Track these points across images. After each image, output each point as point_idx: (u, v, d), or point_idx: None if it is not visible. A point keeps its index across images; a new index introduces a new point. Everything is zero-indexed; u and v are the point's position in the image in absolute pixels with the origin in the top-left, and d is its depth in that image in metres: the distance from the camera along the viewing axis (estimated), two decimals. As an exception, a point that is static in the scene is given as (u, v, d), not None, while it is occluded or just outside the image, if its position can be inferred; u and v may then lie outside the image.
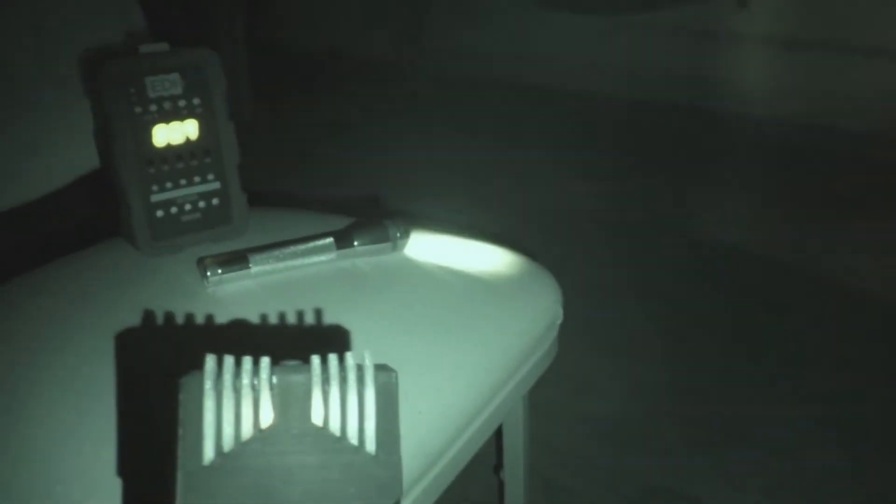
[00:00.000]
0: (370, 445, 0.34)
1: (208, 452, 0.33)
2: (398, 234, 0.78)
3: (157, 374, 0.60)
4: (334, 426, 0.34)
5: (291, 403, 0.34)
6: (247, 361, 0.34)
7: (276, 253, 0.73)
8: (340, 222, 0.80)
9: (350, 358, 0.35)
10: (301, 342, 0.66)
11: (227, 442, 0.33)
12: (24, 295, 0.74)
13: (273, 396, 0.34)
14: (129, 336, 0.66)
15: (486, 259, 0.81)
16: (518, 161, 2.52)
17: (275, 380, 0.35)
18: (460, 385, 0.66)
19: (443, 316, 0.71)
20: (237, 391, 0.34)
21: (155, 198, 0.75)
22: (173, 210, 0.76)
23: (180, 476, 0.33)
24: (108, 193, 0.77)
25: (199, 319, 0.67)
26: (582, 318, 1.60)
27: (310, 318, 0.67)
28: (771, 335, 1.59)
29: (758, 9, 2.78)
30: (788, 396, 1.40)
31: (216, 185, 0.78)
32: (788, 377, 1.45)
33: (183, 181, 0.76)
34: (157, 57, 0.74)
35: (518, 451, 0.92)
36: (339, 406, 0.34)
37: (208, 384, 0.34)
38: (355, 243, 0.76)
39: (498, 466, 0.98)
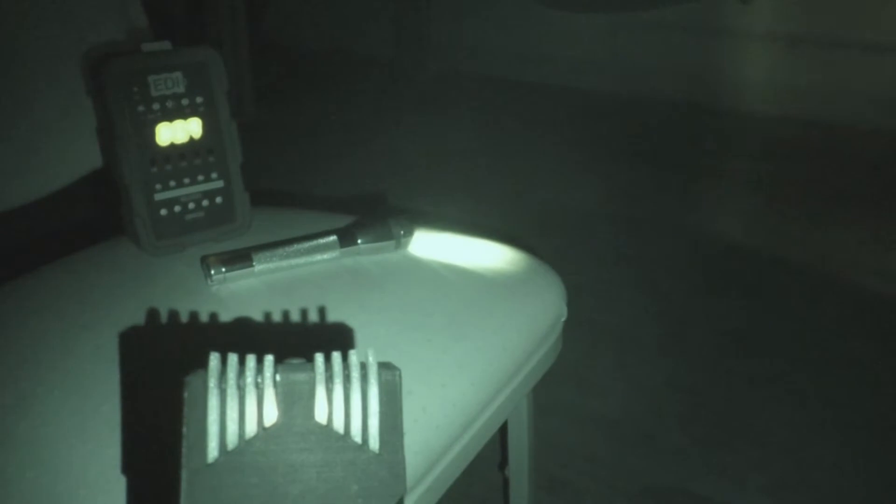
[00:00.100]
0: (373, 443, 0.34)
1: (212, 450, 0.33)
2: (402, 232, 0.78)
3: (160, 373, 0.60)
4: (338, 424, 0.34)
5: (295, 401, 0.34)
6: (250, 359, 0.34)
7: (280, 251, 0.73)
8: (344, 220, 0.80)
9: (353, 356, 0.35)
10: (305, 340, 0.66)
11: (231, 440, 0.33)
12: (27, 294, 0.74)
13: (277, 394, 0.34)
14: (132, 335, 0.66)
15: (490, 256, 0.81)
16: (521, 158, 2.52)
17: (278, 378, 0.35)
18: (464, 382, 0.66)
19: (446, 313, 0.71)
20: (241, 389, 0.34)
21: (158, 197, 0.75)
22: (177, 209, 0.76)
23: (184, 474, 0.33)
24: (111, 193, 0.77)
25: (203, 318, 0.67)
26: (585, 316, 1.60)
27: (313, 317, 0.67)
28: (774, 332, 1.58)
29: (760, 6, 2.77)
30: (791, 394, 1.40)
31: (219, 184, 0.78)
32: (791, 375, 1.45)
33: (186, 180, 0.76)
34: (160, 55, 0.73)
35: (522, 449, 0.92)
36: (342, 404, 0.34)
37: (212, 382, 0.34)
38: (359, 241, 0.76)
39: (502, 464, 0.98)
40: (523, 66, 3.18)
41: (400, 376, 0.35)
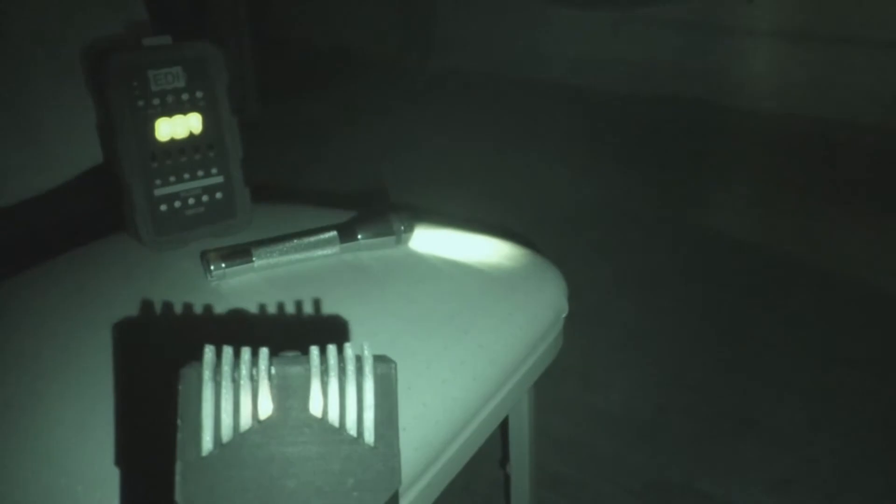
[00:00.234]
0: (369, 436, 0.34)
1: (207, 443, 0.33)
2: (402, 228, 0.77)
3: (160, 368, 0.60)
4: (333, 417, 0.34)
5: (290, 394, 0.34)
6: (245, 352, 0.34)
7: (280, 247, 0.73)
8: (344, 216, 0.80)
9: (349, 349, 0.35)
10: (304, 335, 0.66)
11: (226, 433, 0.33)
12: (28, 290, 0.74)
13: (272, 387, 0.34)
14: (133, 330, 0.66)
15: (491, 252, 0.81)
16: (523, 155, 2.51)
17: (273, 371, 0.34)
18: (465, 377, 0.66)
19: (447, 309, 0.71)
20: (236, 382, 0.34)
21: (158, 192, 0.75)
22: (177, 204, 0.76)
23: (179, 467, 0.33)
24: (112, 188, 0.77)
25: (203, 313, 0.67)
26: (588, 312, 1.60)
27: (313, 312, 0.67)
28: (777, 329, 1.58)
29: (763, 2, 2.76)
30: (795, 390, 1.40)
31: (220, 179, 0.78)
32: (795, 371, 1.45)
33: (186, 175, 0.76)
34: (160, 50, 0.73)
35: (524, 445, 0.92)
36: (337, 397, 0.34)
37: (207, 375, 0.33)
38: (359, 237, 0.76)
39: (504, 460, 0.98)
40: (526, 64, 3.17)
41: (395, 369, 0.35)
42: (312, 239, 0.74)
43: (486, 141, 2.62)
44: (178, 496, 0.33)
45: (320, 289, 0.70)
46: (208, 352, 0.34)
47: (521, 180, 2.33)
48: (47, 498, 0.53)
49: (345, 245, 0.75)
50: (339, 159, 2.50)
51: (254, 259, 0.72)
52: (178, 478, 0.33)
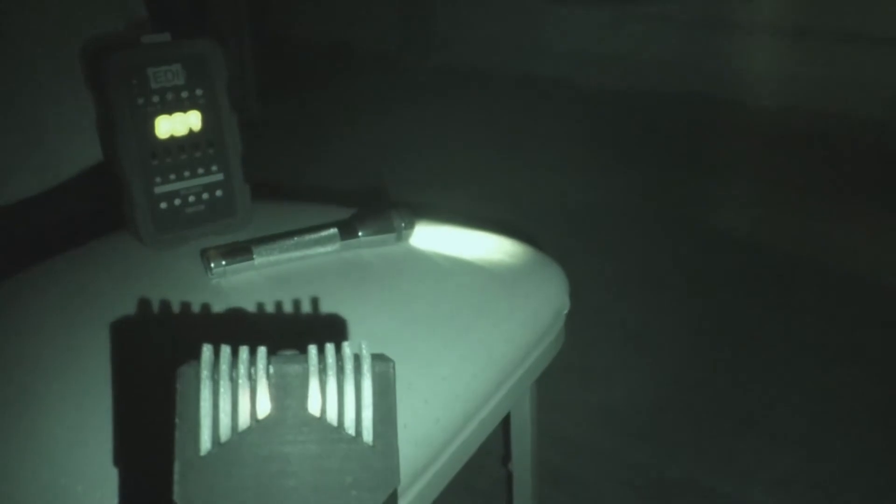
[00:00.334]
0: (367, 435, 0.34)
1: (205, 442, 0.33)
2: (403, 225, 0.77)
3: (160, 366, 0.60)
4: (331, 416, 0.34)
5: (288, 393, 0.34)
6: (243, 351, 0.34)
7: (280, 244, 0.73)
8: (344, 213, 0.79)
9: (347, 347, 0.35)
10: (304, 333, 0.66)
11: (224, 432, 0.33)
12: (28, 289, 0.74)
13: (270, 386, 0.34)
14: (133, 329, 0.66)
15: (492, 249, 0.81)
16: (524, 152, 2.51)
17: (272, 370, 0.34)
18: (466, 375, 0.66)
19: (448, 305, 0.71)
20: (234, 381, 0.34)
21: (158, 190, 0.75)
22: (177, 202, 0.76)
23: (177, 466, 0.33)
24: (112, 187, 0.77)
25: (203, 311, 0.67)
26: (590, 309, 1.60)
27: (313, 309, 0.67)
28: (780, 326, 1.58)
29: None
30: (798, 387, 1.39)
31: (220, 177, 0.77)
32: (795, 369, 1.44)
33: (186, 173, 0.76)
34: (159, 47, 0.73)
35: (526, 442, 0.92)
36: (336, 396, 0.34)
37: (205, 374, 0.33)
38: (359, 234, 0.76)
39: (506, 458, 0.98)
40: (527, 60, 3.17)
41: (394, 368, 0.35)
42: (313, 236, 0.74)
43: (486, 138, 2.61)
44: (176, 496, 0.32)
45: (321, 286, 0.70)
46: (206, 351, 0.34)
47: (521, 177, 2.32)
48: (47, 497, 0.53)
49: (345, 242, 0.75)
50: (340, 157, 2.50)
51: (254, 257, 0.72)
52: (176, 477, 0.33)
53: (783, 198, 2.16)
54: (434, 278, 0.74)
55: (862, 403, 1.35)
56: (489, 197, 2.15)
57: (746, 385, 1.41)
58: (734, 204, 2.17)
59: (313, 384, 0.34)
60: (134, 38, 0.73)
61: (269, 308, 0.67)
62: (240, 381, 0.34)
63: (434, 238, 0.80)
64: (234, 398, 0.33)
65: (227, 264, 0.71)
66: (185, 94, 0.74)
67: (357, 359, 0.35)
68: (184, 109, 0.74)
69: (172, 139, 0.74)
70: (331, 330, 0.65)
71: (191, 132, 0.75)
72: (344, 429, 0.34)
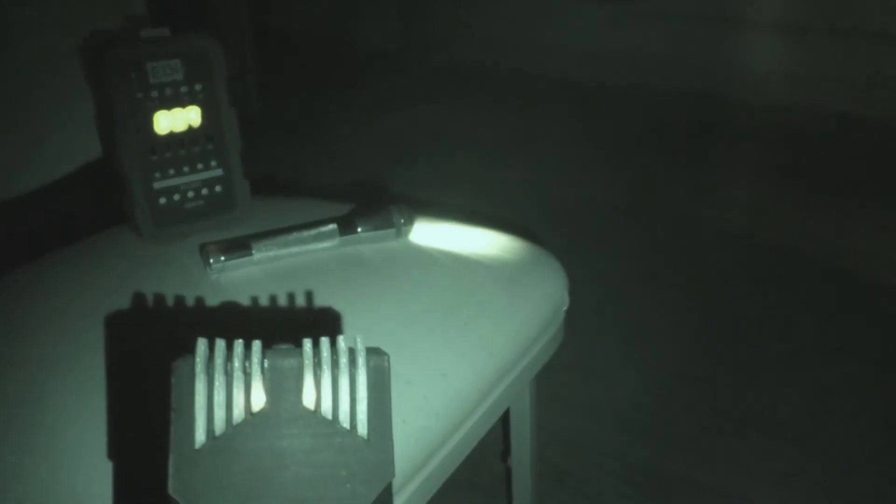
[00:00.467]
0: (362, 428, 0.34)
1: (200, 436, 0.33)
2: (402, 221, 0.77)
3: (158, 361, 0.60)
4: (326, 409, 0.34)
5: (283, 387, 0.34)
6: (238, 345, 0.34)
7: (279, 239, 0.73)
8: (344, 209, 0.79)
9: (342, 341, 0.35)
10: (301, 327, 0.66)
11: (219, 425, 0.33)
12: (28, 283, 0.74)
13: (265, 380, 0.34)
14: (131, 324, 0.66)
15: (492, 245, 0.81)
16: (526, 149, 2.51)
17: (266, 363, 0.34)
18: (465, 371, 0.66)
19: (448, 301, 0.71)
20: (228, 375, 0.34)
21: (158, 185, 0.75)
22: (176, 197, 0.76)
23: (172, 459, 0.33)
24: (112, 182, 0.77)
25: (202, 306, 0.67)
26: (591, 306, 1.60)
27: (312, 304, 0.67)
28: (783, 322, 1.58)
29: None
30: (798, 385, 1.39)
31: (219, 172, 0.78)
32: (799, 364, 1.44)
33: (186, 168, 0.76)
34: (159, 42, 0.73)
35: (525, 438, 0.92)
36: (330, 389, 0.34)
37: (199, 367, 0.33)
38: (359, 229, 0.76)
39: (505, 454, 0.98)
40: (528, 57, 3.17)
41: (388, 361, 0.35)
42: (312, 232, 0.74)
43: (486, 135, 2.61)
44: (171, 488, 0.33)
45: (320, 282, 0.70)
46: (201, 344, 0.34)
47: (521, 174, 2.32)
48: (46, 491, 0.53)
49: (344, 238, 0.75)
50: (339, 153, 2.50)
51: (253, 252, 0.72)
52: (171, 470, 0.33)
53: (785, 194, 2.16)
54: (433, 274, 0.74)
55: (862, 401, 1.35)
56: (489, 194, 2.15)
57: (746, 382, 1.41)
58: (735, 202, 2.16)
59: (308, 378, 0.34)
60: (133, 34, 0.73)
61: (268, 303, 0.68)
62: (235, 375, 0.34)
63: (433, 234, 0.80)
64: (229, 392, 0.34)
65: (225, 259, 0.71)
66: (184, 90, 0.74)
67: (352, 352, 0.35)
68: (183, 105, 0.74)
69: (172, 134, 0.74)
70: (328, 324, 0.65)
71: (190, 127, 0.75)
72: (338, 422, 0.34)
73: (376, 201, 0.79)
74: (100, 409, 0.57)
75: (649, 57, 2.94)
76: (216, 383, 0.33)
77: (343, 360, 0.34)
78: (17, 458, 0.55)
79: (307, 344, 0.35)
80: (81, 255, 0.78)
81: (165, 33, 0.74)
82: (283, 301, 0.68)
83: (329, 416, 0.34)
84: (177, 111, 0.74)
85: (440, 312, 0.69)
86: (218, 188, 0.78)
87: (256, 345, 0.34)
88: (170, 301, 0.68)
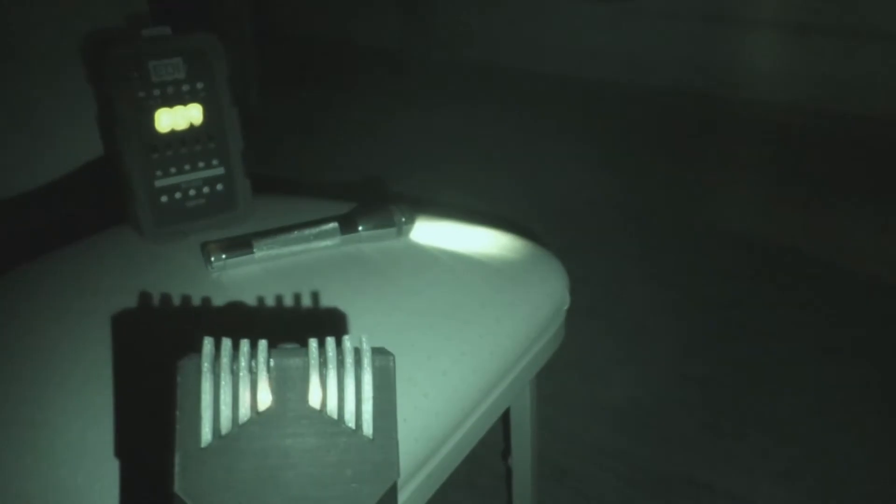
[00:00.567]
0: (367, 428, 0.34)
1: (206, 435, 0.33)
2: (403, 219, 0.77)
3: (159, 359, 0.60)
4: (331, 409, 0.34)
5: (289, 386, 0.34)
6: (244, 344, 0.34)
7: (280, 238, 0.73)
8: (345, 207, 0.79)
9: (347, 341, 0.35)
10: (304, 326, 0.66)
11: (225, 424, 0.33)
12: (30, 282, 0.74)
13: (270, 379, 0.34)
14: (132, 322, 0.66)
15: (492, 244, 0.81)
16: (527, 148, 2.51)
17: (272, 363, 0.34)
18: (466, 369, 0.66)
19: (448, 300, 0.71)
20: (234, 374, 0.34)
21: (159, 183, 0.75)
22: (177, 196, 0.76)
23: (178, 458, 0.33)
24: (114, 180, 0.77)
25: (203, 305, 0.67)
26: (592, 305, 1.60)
27: (313, 303, 0.67)
28: (781, 321, 1.58)
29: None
30: (799, 384, 1.39)
31: (220, 171, 0.77)
32: (798, 364, 1.45)
33: (187, 167, 0.76)
34: (160, 41, 0.73)
35: (525, 437, 0.92)
36: (336, 389, 0.34)
37: (205, 366, 0.33)
38: (360, 228, 0.76)
39: (505, 453, 0.98)
40: (529, 56, 3.17)
41: (394, 361, 0.35)
42: (313, 230, 0.74)
43: (487, 134, 2.61)
44: (176, 487, 0.33)
45: (321, 280, 0.70)
46: (207, 344, 0.34)
47: (522, 174, 2.32)
48: (48, 489, 0.53)
49: (345, 236, 0.75)
50: (340, 152, 2.50)
51: (254, 250, 0.72)
52: (177, 469, 0.33)
53: (784, 195, 2.16)
54: (434, 273, 0.74)
55: (863, 400, 1.35)
56: (489, 193, 2.15)
57: (748, 381, 1.41)
58: (735, 201, 2.17)
59: (314, 377, 0.34)
60: (135, 32, 0.73)
61: (269, 302, 0.68)
62: (240, 374, 0.34)
63: (434, 233, 0.81)
64: (235, 391, 0.33)
65: (227, 258, 0.71)
66: (185, 88, 0.74)
67: (357, 352, 0.35)
68: (184, 103, 0.74)
69: (173, 133, 0.74)
70: (331, 324, 0.65)
71: (191, 126, 0.75)
72: (344, 422, 0.34)
73: (377, 200, 0.79)
74: (101, 407, 0.57)
75: (649, 57, 2.94)
76: (222, 382, 0.33)
77: (349, 359, 0.34)
78: (18, 457, 0.55)
79: (313, 343, 0.35)
80: (83, 254, 0.78)
81: (167, 32, 0.74)
82: (284, 300, 0.68)
83: (335, 415, 0.34)
84: (178, 109, 0.74)
85: (441, 311, 0.69)
86: (219, 187, 0.78)
87: (262, 344, 0.34)
88: (171, 299, 0.68)
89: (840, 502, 1.15)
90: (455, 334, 0.68)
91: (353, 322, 0.65)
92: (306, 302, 0.67)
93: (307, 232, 0.74)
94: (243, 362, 0.34)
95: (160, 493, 0.49)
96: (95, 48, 0.76)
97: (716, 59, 2.86)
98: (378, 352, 0.35)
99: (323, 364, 0.34)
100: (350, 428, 0.34)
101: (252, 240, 0.72)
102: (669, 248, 1.87)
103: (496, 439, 1.05)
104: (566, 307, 0.80)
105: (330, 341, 0.35)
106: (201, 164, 0.76)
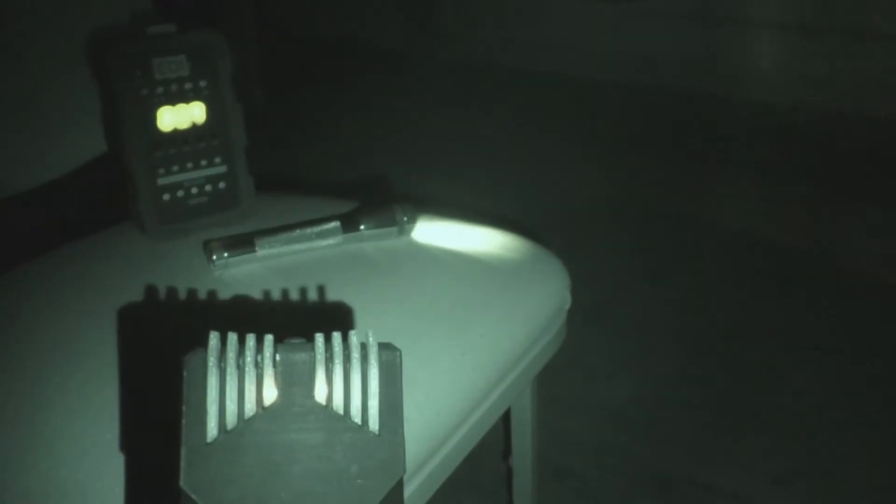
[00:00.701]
0: (373, 424, 0.34)
1: (212, 430, 0.33)
2: (405, 219, 0.77)
3: (162, 356, 0.60)
4: (337, 404, 0.34)
5: (295, 381, 0.34)
6: (250, 339, 0.34)
7: (283, 236, 0.73)
8: (347, 206, 0.80)
9: (354, 336, 0.35)
10: (306, 323, 0.66)
11: (231, 419, 0.33)
12: (32, 280, 0.74)
13: (276, 374, 0.34)
14: (135, 320, 0.66)
15: (494, 244, 0.81)
16: (528, 148, 2.51)
17: (278, 357, 0.34)
18: (467, 369, 0.66)
19: (450, 299, 0.71)
20: (240, 369, 0.34)
21: (162, 181, 0.75)
22: (180, 194, 0.76)
23: (184, 453, 0.33)
24: (117, 178, 0.77)
25: (205, 303, 0.67)
26: (593, 305, 1.60)
27: (315, 301, 0.67)
28: (782, 321, 1.58)
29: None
30: (799, 383, 1.40)
31: (223, 169, 0.78)
32: (799, 364, 1.45)
33: (190, 164, 0.76)
34: (164, 39, 0.73)
35: (526, 438, 0.92)
36: (342, 384, 0.34)
37: (211, 361, 0.33)
38: (362, 227, 0.76)
39: (506, 453, 0.98)
40: (531, 56, 3.16)
41: (400, 357, 0.35)
42: (315, 229, 0.74)
43: (489, 133, 2.61)
44: (182, 482, 0.33)
45: (323, 279, 0.70)
46: (213, 338, 0.34)
47: (524, 173, 2.32)
48: (50, 486, 0.53)
49: (347, 235, 0.75)
50: (343, 150, 2.50)
51: (256, 249, 0.72)
52: (182, 464, 0.33)
53: (784, 195, 2.16)
54: (436, 272, 0.74)
55: (864, 400, 1.35)
56: (492, 192, 2.15)
57: (748, 381, 1.41)
58: (735, 201, 2.17)
59: (320, 372, 0.34)
60: (139, 30, 0.73)
61: (271, 299, 0.68)
62: (246, 369, 0.34)
63: (436, 232, 0.81)
64: (241, 386, 0.34)
65: (229, 256, 0.71)
66: (189, 86, 0.74)
67: (364, 348, 0.35)
68: (188, 101, 0.74)
69: (176, 131, 0.74)
70: (335, 320, 0.65)
71: (195, 124, 0.75)
72: (350, 417, 0.34)
73: (379, 199, 0.79)
74: (103, 405, 0.57)
75: (649, 57, 2.94)
76: (228, 377, 0.33)
77: (355, 355, 0.34)
78: (22, 453, 0.55)
79: (319, 338, 0.35)
80: (86, 251, 0.78)
81: (171, 30, 0.74)
82: (286, 297, 0.68)
83: (341, 410, 0.34)
84: (181, 107, 0.74)
85: (442, 310, 0.69)
86: (222, 185, 0.78)
87: (268, 339, 0.34)
88: (173, 297, 0.68)
89: (840, 502, 1.15)
90: (456, 334, 0.68)
91: (353, 321, 0.65)
92: (308, 300, 0.67)
93: (309, 231, 0.74)
94: (249, 357, 0.34)
95: (166, 487, 0.49)
96: (100, 45, 0.76)
97: (716, 58, 2.86)
98: (385, 347, 0.35)
99: (329, 359, 0.34)
100: (356, 423, 0.34)
101: (254, 238, 0.72)
102: (670, 248, 1.87)
103: (497, 439, 1.05)
104: (567, 307, 0.80)
105: (336, 336, 0.35)
106: (204, 162, 0.76)
